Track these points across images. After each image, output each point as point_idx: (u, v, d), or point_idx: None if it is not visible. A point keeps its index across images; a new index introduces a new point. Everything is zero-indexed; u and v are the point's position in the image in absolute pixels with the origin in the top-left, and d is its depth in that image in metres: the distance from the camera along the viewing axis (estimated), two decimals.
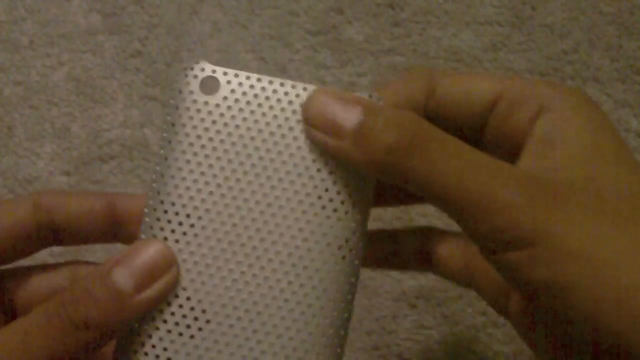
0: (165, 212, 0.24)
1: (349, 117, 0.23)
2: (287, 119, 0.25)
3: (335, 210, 0.25)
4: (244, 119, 0.25)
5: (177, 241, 0.24)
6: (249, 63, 0.47)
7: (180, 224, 0.24)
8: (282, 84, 0.26)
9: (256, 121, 0.25)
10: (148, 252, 0.24)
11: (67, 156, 0.45)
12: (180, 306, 0.24)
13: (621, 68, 0.47)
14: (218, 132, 0.25)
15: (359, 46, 0.47)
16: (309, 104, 0.25)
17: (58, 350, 0.22)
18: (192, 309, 0.24)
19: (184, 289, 0.24)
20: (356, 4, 0.48)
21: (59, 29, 0.47)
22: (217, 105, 0.25)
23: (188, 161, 0.25)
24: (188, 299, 0.24)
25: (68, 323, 0.22)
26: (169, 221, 0.24)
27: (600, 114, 0.24)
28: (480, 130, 0.26)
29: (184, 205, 0.24)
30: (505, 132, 0.25)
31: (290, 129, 0.25)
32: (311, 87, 0.26)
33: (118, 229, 0.29)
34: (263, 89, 0.26)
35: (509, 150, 0.26)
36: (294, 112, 0.25)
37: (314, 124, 0.24)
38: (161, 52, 0.47)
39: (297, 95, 0.26)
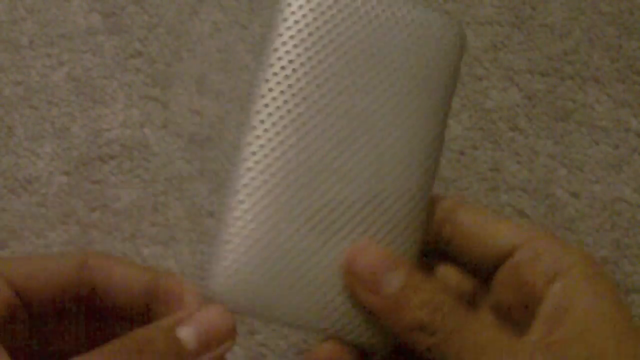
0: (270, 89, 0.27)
1: (392, 281, 0.25)
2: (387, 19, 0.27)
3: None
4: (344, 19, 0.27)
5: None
6: (249, 63, 0.47)
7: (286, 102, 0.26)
8: None
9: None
10: (213, 316, 0.24)
11: (67, 156, 0.45)
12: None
13: (621, 68, 0.47)
14: (318, 28, 0.27)
15: None
16: (356, 257, 0.26)
17: None
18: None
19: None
20: None
21: (59, 29, 0.47)
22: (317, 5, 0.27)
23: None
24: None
25: None
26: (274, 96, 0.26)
27: (609, 285, 0.26)
28: (489, 271, 0.29)
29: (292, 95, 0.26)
30: (517, 285, 0.27)
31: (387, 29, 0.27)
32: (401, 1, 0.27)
33: (155, 306, 0.28)
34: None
35: (518, 299, 0.27)
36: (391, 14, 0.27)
37: (359, 278, 0.26)
38: (161, 52, 0.47)
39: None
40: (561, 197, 0.45)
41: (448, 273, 0.30)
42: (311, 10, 0.27)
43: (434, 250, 0.30)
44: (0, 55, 0.47)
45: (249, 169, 0.26)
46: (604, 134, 0.46)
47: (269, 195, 0.26)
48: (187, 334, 0.23)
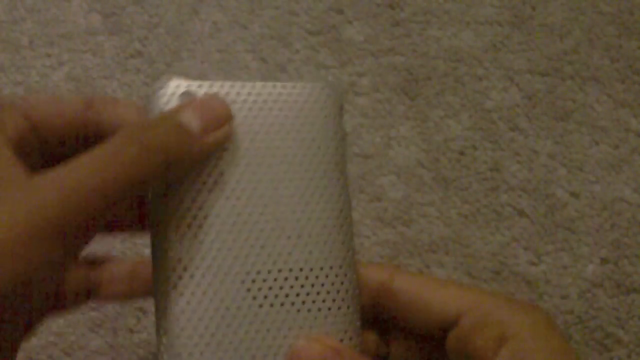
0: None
1: None
2: (266, 116, 0.27)
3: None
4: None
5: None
6: (249, 63, 0.47)
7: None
8: (253, 87, 0.27)
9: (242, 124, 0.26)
10: (212, 101, 0.25)
11: None
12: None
13: (621, 68, 0.47)
14: None
15: (359, 46, 0.47)
16: (298, 354, 0.26)
17: (132, 174, 0.23)
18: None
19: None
20: (356, 4, 0.48)
21: (59, 29, 0.47)
22: None
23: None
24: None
25: (140, 147, 0.23)
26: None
27: (559, 339, 0.26)
28: (439, 338, 0.28)
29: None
30: (467, 351, 0.27)
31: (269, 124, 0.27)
32: (269, 86, 0.27)
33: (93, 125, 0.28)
34: (238, 94, 0.27)
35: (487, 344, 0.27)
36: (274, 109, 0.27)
37: None
38: (161, 52, 0.47)
39: (269, 94, 0.27)
40: (561, 197, 0.45)
41: (398, 346, 0.30)
42: None
43: (375, 320, 0.29)
44: (0, 55, 0.47)
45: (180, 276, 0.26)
46: (604, 134, 0.46)
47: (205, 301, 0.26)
48: (189, 116, 0.24)
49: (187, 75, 0.27)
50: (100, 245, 0.33)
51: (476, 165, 0.46)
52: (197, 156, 0.24)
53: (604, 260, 0.44)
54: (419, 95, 0.46)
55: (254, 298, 0.26)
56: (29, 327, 0.27)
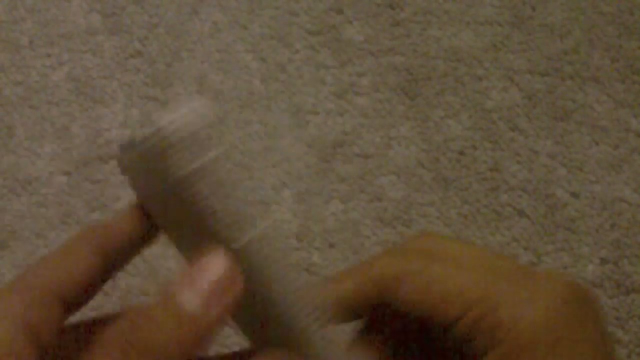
0: None
1: None
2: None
3: None
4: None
5: None
6: (249, 63, 0.47)
7: None
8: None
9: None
10: (212, 269, 0.21)
11: (67, 156, 0.45)
12: None
13: (621, 68, 0.47)
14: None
15: (359, 46, 0.47)
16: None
17: None
18: None
19: None
20: (356, 4, 0.48)
21: (59, 29, 0.47)
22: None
23: None
24: None
25: (129, 352, 0.20)
26: None
27: (576, 320, 0.25)
28: (446, 327, 0.27)
29: None
30: (479, 334, 0.26)
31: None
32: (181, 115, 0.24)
33: None
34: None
35: (481, 345, 0.26)
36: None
37: None
38: (161, 52, 0.47)
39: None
40: (561, 197, 0.45)
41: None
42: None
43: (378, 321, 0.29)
44: (0, 55, 0.47)
45: None
46: (604, 134, 0.46)
47: None
48: (187, 296, 0.21)
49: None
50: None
51: (476, 165, 0.46)
52: (200, 339, 0.21)
53: (604, 260, 0.44)
54: (419, 95, 0.46)
55: None
56: None
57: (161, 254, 0.42)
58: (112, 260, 0.24)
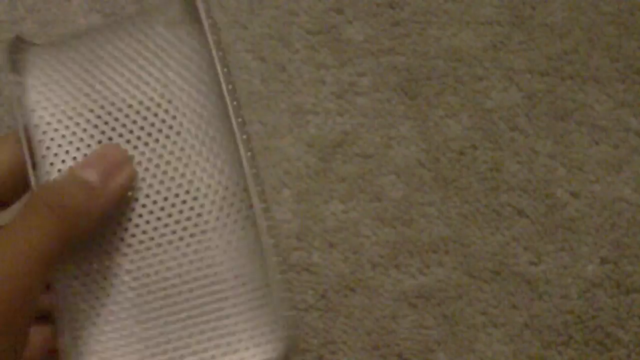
0: None
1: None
2: None
3: None
4: None
5: None
6: (249, 63, 0.47)
7: None
8: None
9: None
10: (107, 152, 0.27)
11: None
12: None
13: (621, 68, 0.47)
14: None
15: (359, 46, 0.47)
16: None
17: (53, 238, 0.24)
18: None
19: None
20: (356, 3, 0.48)
21: (59, 29, 0.47)
22: None
23: None
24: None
25: (54, 211, 0.25)
26: None
27: None
28: None
29: None
30: None
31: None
32: None
33: None
34: None
35: None
36: None
37: None
38: None
39: None
40: (561, 197, 0.45)
41: None
42: None
43: None
44: (0, 55, 0.47)
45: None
46: (604, 134, 0.46)
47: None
48: (88, 173, 0.26)
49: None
50: None
51: (476, 165, 0.46)
52: (100, 205, 0.26)
53: (604, 260, 0.44)
54: (419, 95, 0.46)
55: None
56: None
57: None
58: None
